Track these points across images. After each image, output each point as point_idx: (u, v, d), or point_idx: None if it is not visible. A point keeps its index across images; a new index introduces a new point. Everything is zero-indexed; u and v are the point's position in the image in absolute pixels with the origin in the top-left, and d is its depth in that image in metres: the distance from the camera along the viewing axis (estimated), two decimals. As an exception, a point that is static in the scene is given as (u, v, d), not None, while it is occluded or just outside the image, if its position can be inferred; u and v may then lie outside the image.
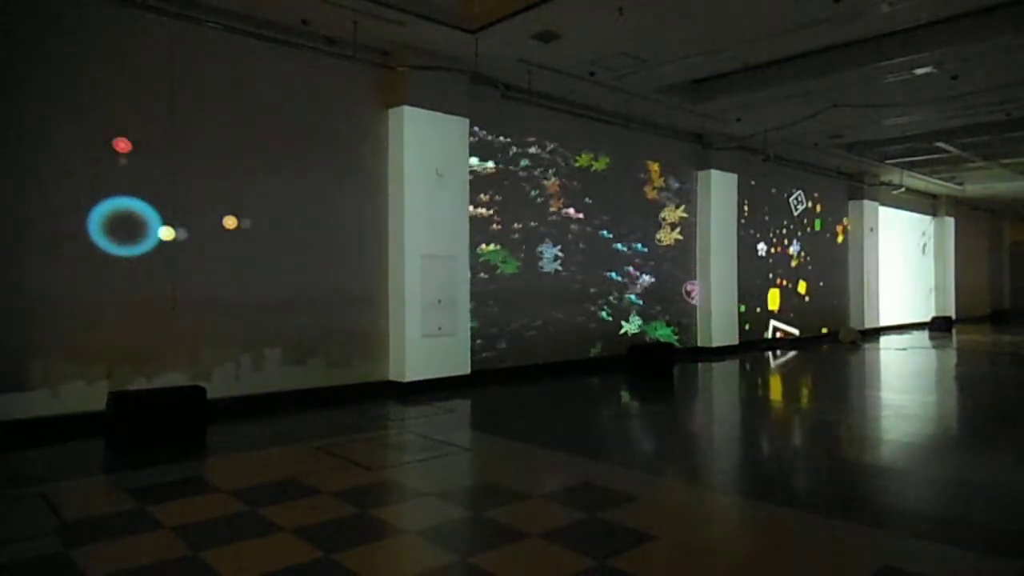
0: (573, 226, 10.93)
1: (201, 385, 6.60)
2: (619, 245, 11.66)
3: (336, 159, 8.20)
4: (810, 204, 16.49)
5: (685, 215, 12.55)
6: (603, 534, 3.83)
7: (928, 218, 22.34)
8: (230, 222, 7.37)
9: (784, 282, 15.80)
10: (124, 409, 6.00)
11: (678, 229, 12.27)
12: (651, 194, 12.13)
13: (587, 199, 11.09)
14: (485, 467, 5.56)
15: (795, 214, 15.90)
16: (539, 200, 10.46)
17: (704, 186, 13.30)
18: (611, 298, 11.43)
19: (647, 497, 4.52)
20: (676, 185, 12.58)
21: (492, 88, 9.56)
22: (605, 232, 11.46)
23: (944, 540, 3.73)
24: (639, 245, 12.01)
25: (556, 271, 10.70)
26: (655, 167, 12.20)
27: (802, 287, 16.33)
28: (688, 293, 12.44)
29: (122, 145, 6.65)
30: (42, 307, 6.24)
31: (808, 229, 16.48)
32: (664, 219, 12.22)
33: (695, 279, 12.84)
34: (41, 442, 5.99)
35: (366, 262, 8.47)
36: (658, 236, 12.22)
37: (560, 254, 10.72)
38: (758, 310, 14.86)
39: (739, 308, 13.97)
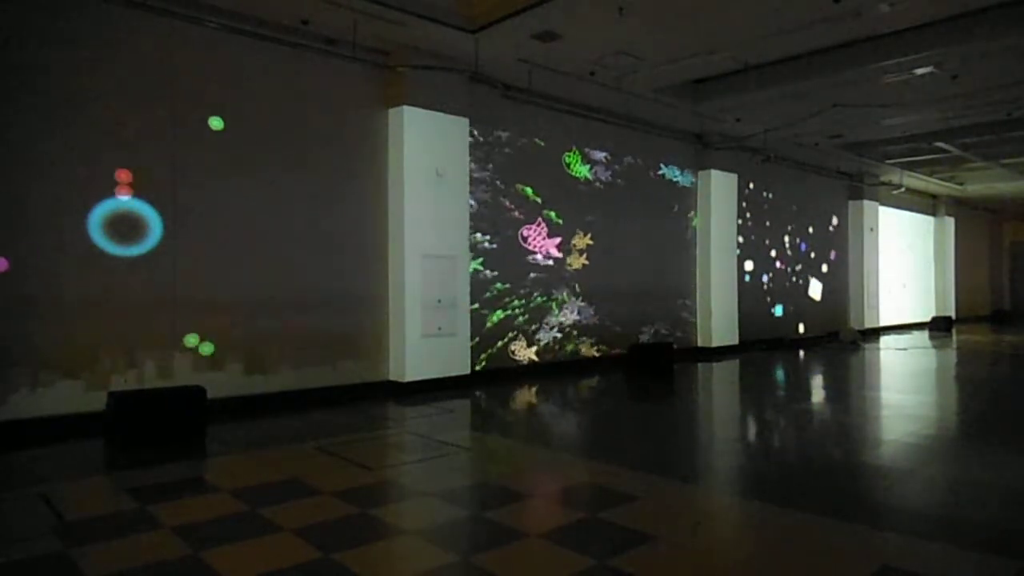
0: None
1: (201, 385, 6.61)
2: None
3: (336, 159, 8.20)
4: (814, 229, 16.65)
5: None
6: (603, 534, 3.83)
7: (929, 218, 22.37)
8: (230, 223, 7.39)
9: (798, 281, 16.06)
10: (124, 409, 6.00)
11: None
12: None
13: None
14: (485, 467, 5.56)
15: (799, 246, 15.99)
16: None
17: (704, 186, 13.32)
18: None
19: (647, 497, 4.52)
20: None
21: (492, 88, 9.57)
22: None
23: (944, 540, 3.73)
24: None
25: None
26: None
27: (814, 288, 16.47)
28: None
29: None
30: (43, 307, 6.24)
31: (809, 230, 16.50)
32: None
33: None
34: (41, 442, 5.98)
35: (366, 262, 8.47)
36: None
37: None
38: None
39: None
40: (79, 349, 6.41)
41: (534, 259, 10.36)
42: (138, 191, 6.76)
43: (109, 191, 6.60)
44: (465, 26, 7.91)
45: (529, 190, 10.29)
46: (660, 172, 12.58)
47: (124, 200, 6.69)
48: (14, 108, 6.11)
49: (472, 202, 9.48)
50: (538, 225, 10.44)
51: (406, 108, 8.49)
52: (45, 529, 3.89)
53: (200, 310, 7.12)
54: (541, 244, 10.47)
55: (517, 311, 10.10)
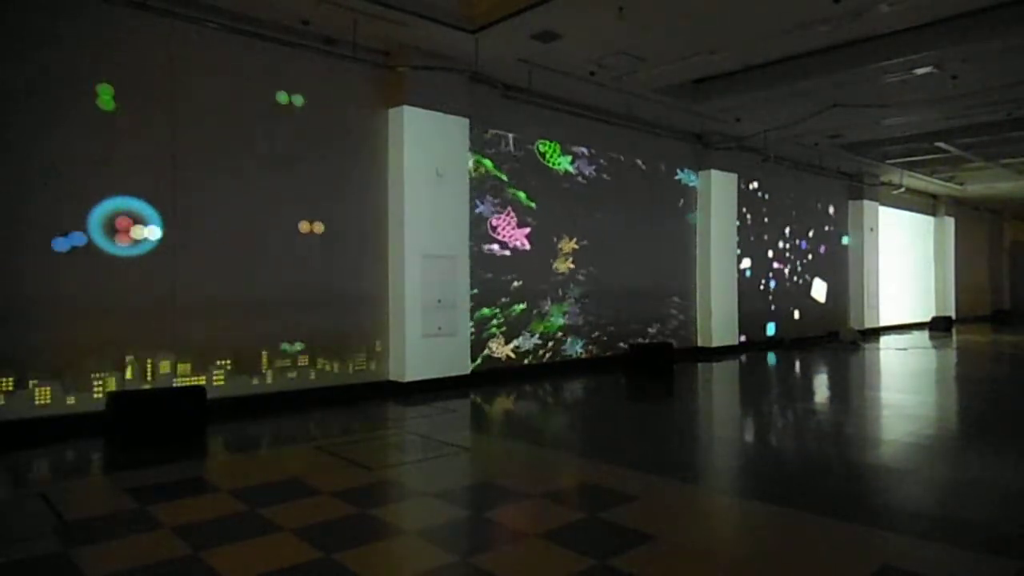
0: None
1: (201, 385, 6.61)
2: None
3: (336, 159, 8.20)
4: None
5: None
6: (603, 534, 3.83)
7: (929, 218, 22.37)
8: (231, 222, 7.39)
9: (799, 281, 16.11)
10: (124, 409, 6.00)
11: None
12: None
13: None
14: (485, 467, 5.56)
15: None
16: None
17: (704, 186, 13.32)
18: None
19: (647, 497, 4.52)
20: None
21: (492, 88, 9.57)
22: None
23: (944, 540, 3.73)
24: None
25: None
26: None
27: (817, 290, 16.51)
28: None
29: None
30: (42, 307, 6.23)
31: (809, 232, 16.50)
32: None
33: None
34: (41, 442, 5.99)
35: (366, 262, 8.47)
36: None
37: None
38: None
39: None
40: (78, 349, 6.40)
41: (528, 261, 10.35)
42: (137, 191, 6.76)
43: (109, 191, 6.59)
44: (465, 26, 7.91)
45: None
46: (677, 177, 12.80)
47: (124, 200, 6.68)
48: (14, 108, 6.11)
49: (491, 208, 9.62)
50: (507, 214, 10.19)
51: (406, 108, 8.49)
52: (45, 529, 3.89)
53: (200, 311, 7.11)
54: (510, 234, 10.18)
55: (506, 313, 10.10)
